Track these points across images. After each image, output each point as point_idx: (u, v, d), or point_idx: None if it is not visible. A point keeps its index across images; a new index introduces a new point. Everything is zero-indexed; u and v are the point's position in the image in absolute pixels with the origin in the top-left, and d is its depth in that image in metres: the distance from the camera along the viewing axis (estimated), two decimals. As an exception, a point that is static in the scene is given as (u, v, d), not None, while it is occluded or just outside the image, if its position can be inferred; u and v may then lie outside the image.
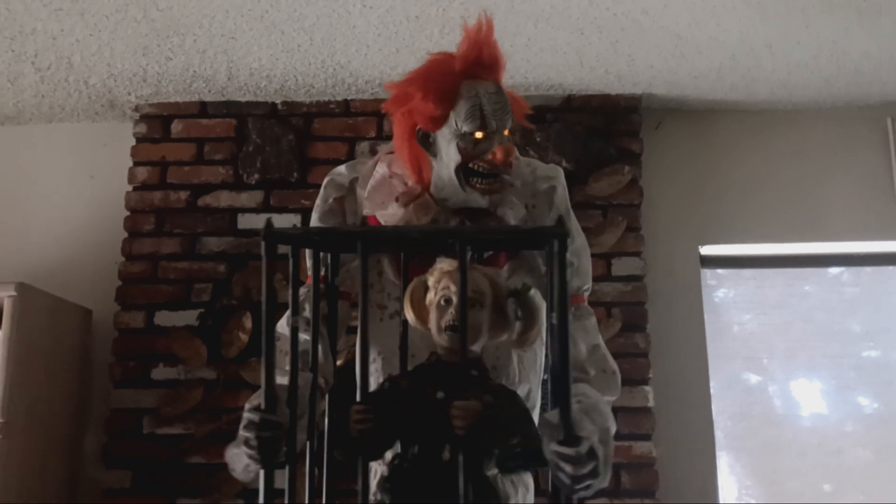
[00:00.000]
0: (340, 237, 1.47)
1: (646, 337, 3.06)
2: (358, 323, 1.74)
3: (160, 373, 3.07)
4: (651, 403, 2.99)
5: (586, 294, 1.73)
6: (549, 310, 1.40)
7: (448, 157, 1.61)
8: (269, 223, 1.37)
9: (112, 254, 3.19)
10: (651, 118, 3.30)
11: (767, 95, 3.24)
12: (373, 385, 1.66)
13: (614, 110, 3.24)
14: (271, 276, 1.36)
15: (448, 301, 1.40)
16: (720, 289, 3.33)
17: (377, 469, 1.66)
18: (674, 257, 3.21)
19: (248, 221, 3.19)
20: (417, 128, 1.64)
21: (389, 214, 1.66)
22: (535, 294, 1.44)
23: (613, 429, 1.53)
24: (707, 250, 3.27)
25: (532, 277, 1.64)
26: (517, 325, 1.43)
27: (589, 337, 1.66)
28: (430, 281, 1.43)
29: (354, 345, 1.97)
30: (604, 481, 1.36)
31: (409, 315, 1.46)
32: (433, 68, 1.64)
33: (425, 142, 1.64)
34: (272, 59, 2.99)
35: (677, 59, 2.98)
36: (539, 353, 1.69)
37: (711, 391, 3.14)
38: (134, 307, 3.14)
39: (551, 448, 1.29)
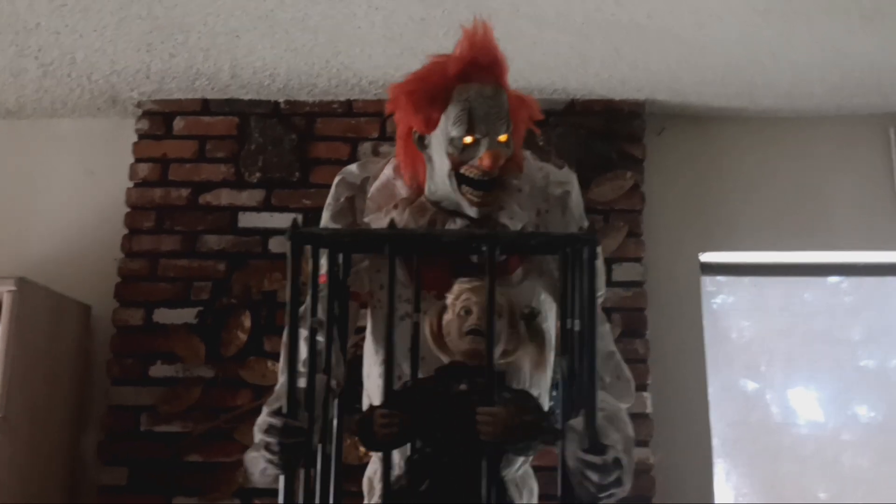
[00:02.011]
0: (369, 239, 1.46)
1: (645, 343, 3.06)
2: (368, 323, 1.75)
3: (158, 370, 3.06)
4: (649, 409, 2.99)
5: (601, 300, 1.70)
6: (567, 315, 1.40)
7: (440, 161, 1.60)
8: (295, 223, 1.37)
9: (112, 250, 3.18)
10: (654, 123, 3.29)
11: (770, 103, 3.23)
12: (381, 387, 1.67)
13: (617, 115, 3.23)
14: (297, 278, 1.35)
15: (468, 311, 1.42)
16: (719, 295, 3.33)
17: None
18: (674, 264, 3.21)
19: (248, 220, 3.19)
20: (413, 129, 1.63)
21: (384, 219, 1.64)
22: (540, 320, 1.47)
23: (633, 436, 1.53)
24: (707, 257, 3.27)
25: (544, 281, 1.64)
26: (531, 347, 1.46)
27: (604, 343, 1.62)
28: (449, 300, 1.45)
29: (355, 345, 1.98)
30: (626, 490, 1.37)
31: (430, 342, 1.46)
32: (429, 70, 1.63)
33: (421, 144, 1.63)
34: (276, 57, 2.98)
35: (681, 65, 2.98)
36: (549, 358, 1.69)
37: (709, 398, 3.14)
38: (133, 304, 3.13)
39: (577, 456, 1.30)
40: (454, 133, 1.56)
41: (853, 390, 3.25)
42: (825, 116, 3.32)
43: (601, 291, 1.70)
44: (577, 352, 1.40)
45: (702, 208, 3.27)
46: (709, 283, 3.31)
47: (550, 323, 1.63)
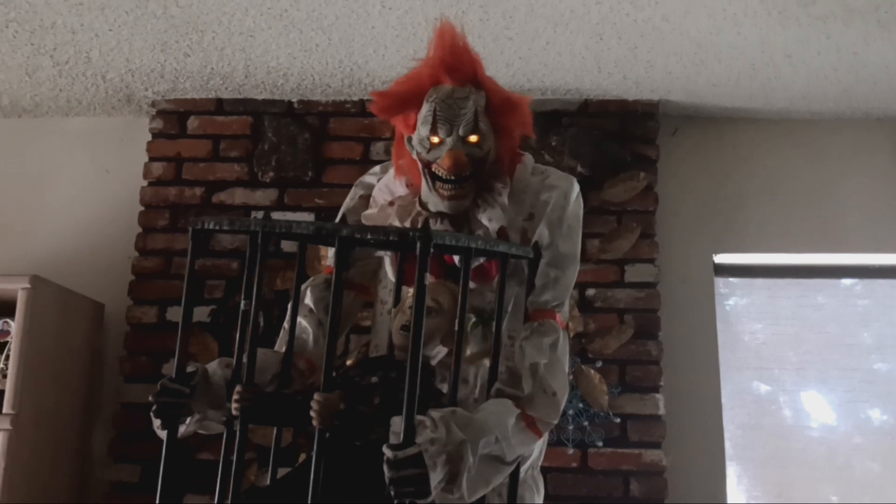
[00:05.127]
0: (243, 230, 1.59)
1: (658, 344, 3.05)
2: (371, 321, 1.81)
3: (171, 369, 3.05)
4: (662, 411, 2.98)
5: (557, 310, 1.65)
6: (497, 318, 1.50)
7: (417, 160, 1.67)
8: (195, 217, 1.53)
9: (126, 248, 3.20)
10: (668, 124, 3.28)
11: (785, 104, 3.22)
12: None
13: (631, 116, 3.23)
14: (193, 264, 1.54)
15: (411, 308, 1.47)
16: (731, 297, 3.32)
17: None
18: (688, 265, 3.20)
19: (262, 219, 3.20)
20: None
21: (376, 216, 1.72)
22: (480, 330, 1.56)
23: (510, 453, 1.47)
24: (721, 259, 3.26)
25: (522, 288, 1.66)
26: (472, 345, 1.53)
27: (538, 354, 1.58)
28: (409, 294, 1.53)
29: (366, 344, 1.99)
30: (451, 496, 1.35)
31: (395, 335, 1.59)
32: (411, 74, 1.70)
33: (410, 145, 1.70)
34: (290, 57, 2.99)
35: (696, 67, 2.97)
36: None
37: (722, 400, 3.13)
38: (146, 302, 3.14)
39: (383, 448, 1.33)
40: (422, 133, 1.64)
41: (866, 394, 3.23)
42: (840, 118, 3.31)
43: (558, 301, 1.65)
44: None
45: (715, 209, 3.26)
46: (721, 284, 3.29)
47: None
